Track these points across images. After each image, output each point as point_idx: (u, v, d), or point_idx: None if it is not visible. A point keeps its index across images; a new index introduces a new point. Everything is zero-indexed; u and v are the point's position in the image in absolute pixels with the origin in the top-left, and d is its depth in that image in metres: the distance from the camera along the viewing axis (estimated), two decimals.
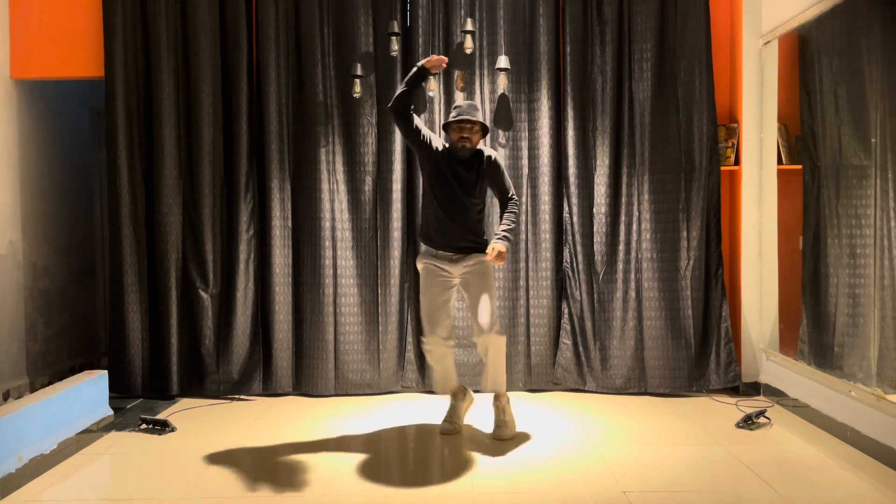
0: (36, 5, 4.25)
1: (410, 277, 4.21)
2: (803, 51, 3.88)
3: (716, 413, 3.79)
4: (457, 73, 4.21)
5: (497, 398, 3.53)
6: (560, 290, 4.25)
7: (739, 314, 4.18)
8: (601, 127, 4.18)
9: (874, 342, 3.29)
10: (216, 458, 3.17)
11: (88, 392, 3.56)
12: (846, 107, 3.54)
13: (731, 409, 3.85)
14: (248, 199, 4.20)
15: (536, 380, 4.23)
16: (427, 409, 3.86)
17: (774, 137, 4.03)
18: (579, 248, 4.20)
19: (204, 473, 3.00)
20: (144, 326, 4.18)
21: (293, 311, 4.22)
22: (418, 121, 3.45)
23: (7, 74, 4.25)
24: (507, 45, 4.18)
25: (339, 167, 4.21)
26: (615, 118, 4.18)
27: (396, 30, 4.11)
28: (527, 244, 4.23)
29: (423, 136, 3.43)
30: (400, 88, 3.41)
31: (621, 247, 4.20)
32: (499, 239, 3.37)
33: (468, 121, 3.38)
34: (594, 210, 4.20)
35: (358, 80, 4.13)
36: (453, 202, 3.41)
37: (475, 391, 3.86)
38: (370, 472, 3.01)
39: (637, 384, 4.16)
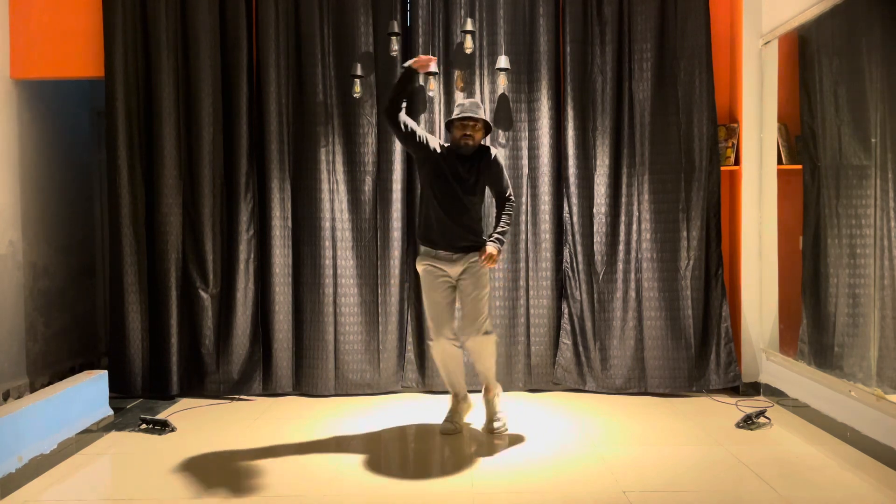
0: (36, 5, 4.25)
1: (410, 277, 4.21)
2: (803, 51, 3.88)
3: (716, 413, 3.79)
4: (457, 73, 4.21)
5: (487, 391, 3.56)
6: (560, 290, 4.25)
7: (739, 314, 4.18)
8: (601, 127, 4.19)
9: (874, 342, 3.29)
10: (216, 458, 3.17)
11: (88, 392, 3.56)
12: (846, 107, 3.54)
13: (731, 409, 3.85)
14: (248, 199, 4.20)
15: (536, 380, 4.23)
16: (427, 409, 3.86)
17: (774, 137, 4.03)
18: (579, 248, 4.20)
19: (204, 473, 3.00)
20: (144, 326, 4.19)
21: (293, 311, 4.22)
22: (412, 122, 3.46)
23: (7, 74, 4.26)
24: (507, 45, 4.18)
25: (339, 167, 4.21)
26: (615, 118, 4.18)
27: (396, 30, 4.11)
28: (527, 244, 4.23)
29: (419, 136, 3.44)
30: (391, 92, 3.41)
31: (621, 247, 4.20)
32: (492, 242, 3.44)
33: (471, 118, 3.38)
34: (594, 210, 4.20)
35: (358, 80, 4.13)
36: (453, 202, 3.41)
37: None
38: (370, 472, 3.01)
39: (637, 384, 4.16)
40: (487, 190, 3.61)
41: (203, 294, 4.18)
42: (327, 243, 4.20)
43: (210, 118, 4.16)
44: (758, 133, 4.13)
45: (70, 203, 4.91)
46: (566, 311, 4.23)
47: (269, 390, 4.21)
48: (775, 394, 3.95)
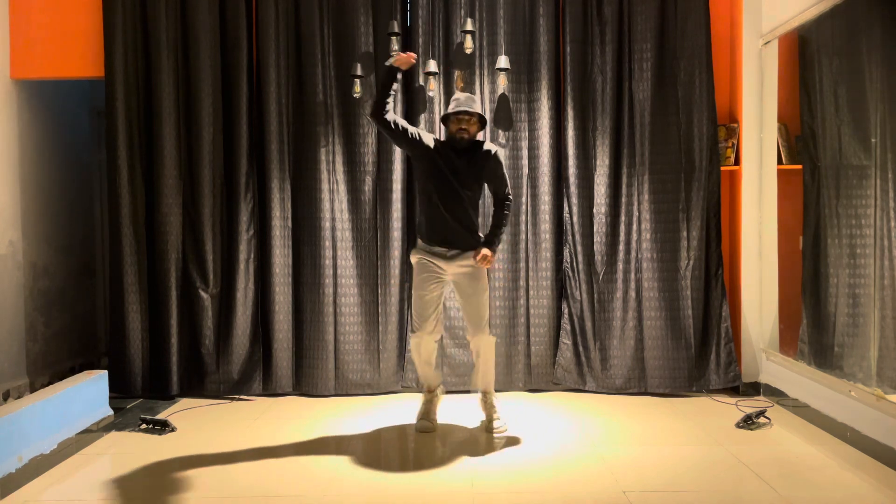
0: (36, 5, 4.25)
1: (410, 277, 4.20)
2: (803, 51, 3.88)
3: (716, 413, 3.79)
4: (457, 73, 4.21)
5: (485, 395, 3.58)
6: (560, 290, 4.25)
7: (739, 314, 4.18)
8: (601, 127, 4.19)
9: (874, 342, 3.29)
10: (216, 458, 3.17)
11: (88, 392, 3.56)
12: (846, 107, 3.54)
13: (731, 409, 3.85)
14: (248, 199, 4.20)
15: (536, 380, 4.23)
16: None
17: (774, 137, 4.03)
18: (579, 248, 4.20)
19: (204, 473, 3.00)
20: (144, 326, 4.19)
21: (293, 311, 4.22)
22: (402, 120, 3.47)
23: (7, 74, 4.26)
24: (507, 45, 4.18)
25: (339, 167, 4.21)
26: (615, 118, 4.18)
27: (396, 30, 4.11)
28: (527, 244, 4.23)
29: (411, 133, 3.44)
30: (375, 93, 3.41)
31: (621, 247, 4.20)
32: (487, 243, 3.46)
33: (466, 112, 3.40)
34: (594, 210, 4.20)
35: (358, 80, 4.13)
36: (450, 195, 3.41)
37: (466, 391, 3.85)
38: (370, 472, 3.01)
39: (637, 384, 4.16)
40: (486, 191, 3.62)
41: (203, 294, 4.18)
42: (327, 243, 4.20)
43: (210, 118, 4.16)
44: (758, 133, 4.13)
45: (70, 203, 4.91)
46: (566, 311, 4.23)
47: (269, 390, 4.21)
48: (775, 394, 3.95)
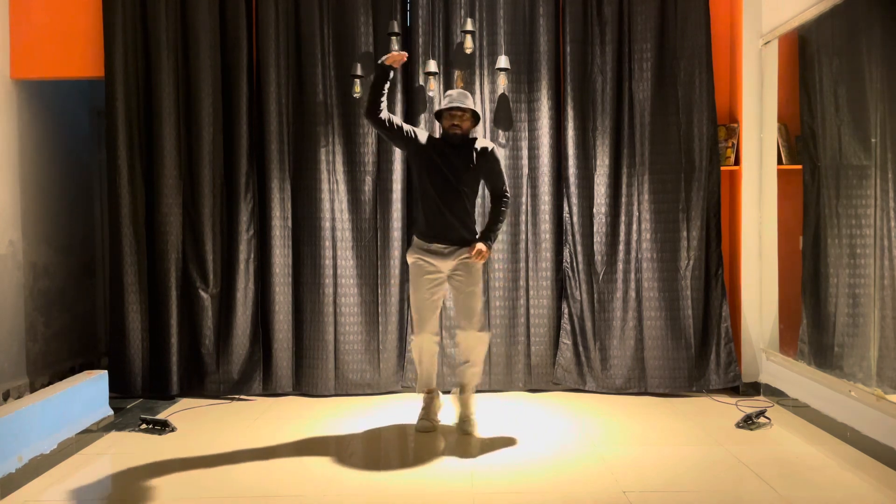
0: (36, 5, 4.25)
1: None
2: (803, 51, 3.88)
3: (716, 413, 3.79)
4: (457, 73, 4.21)
5: (464, 391, 3.56)
6: (560, 290, 4.25)
7: (739, 314, 4.18)
8: (601, 127, 4.19)
9: (874, 342, 3.29)
10: (216, 458, 3.17)
11: (88, 392, 3.56)
12: (846, 107, 3.54)
13: (731, 409, 3.85)
14: (248, 199, 4.20)
15: (536, 380, 4.23)
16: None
17: (774, 137, 4.03)
18: (579, 248, 4.20)
19: (204, 473, 3.00)
20: (144, 326, 4.18)
21: (293, 311, 4.22)
22: (397, 118, 3.48)
23: (7, 74, 4.26)
24: (507, 45, 4.18)
25: (339, 167, 4.21)
26: (615, 118, 4.18)
27: (396, 30, 4.11)
28: (527, 244, 4.23)
29: (406, 131, 3.46)
30: (368, 92, 3.41)
31: (621, 247, 4.20)
32: (482, 238, 3.47)
33: (458, 108, 3.40)
34: (594, 210, 4.20)
35: (358, 80, 4.13)
36: (446, 192, 3.42)
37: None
38: (370, 472, 3.01)
39: (637, 384, 4.16)
40: (485, 191, 3.62)
41: (203, 294, 4.18)
42: (327, 243, 4.20)
43: (210, 118, 4.16)
44: (758, 133, 4.13)
45: (70, 203, 4.91)
46: (566, 311, 4.23)
47: (269, 390, 4.21)
48: (775, 394, 3.95)
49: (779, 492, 2.73)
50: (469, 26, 4.12)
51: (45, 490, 2.84)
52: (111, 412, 3.74)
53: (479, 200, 4.05)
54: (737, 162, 4.19)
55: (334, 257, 4.21)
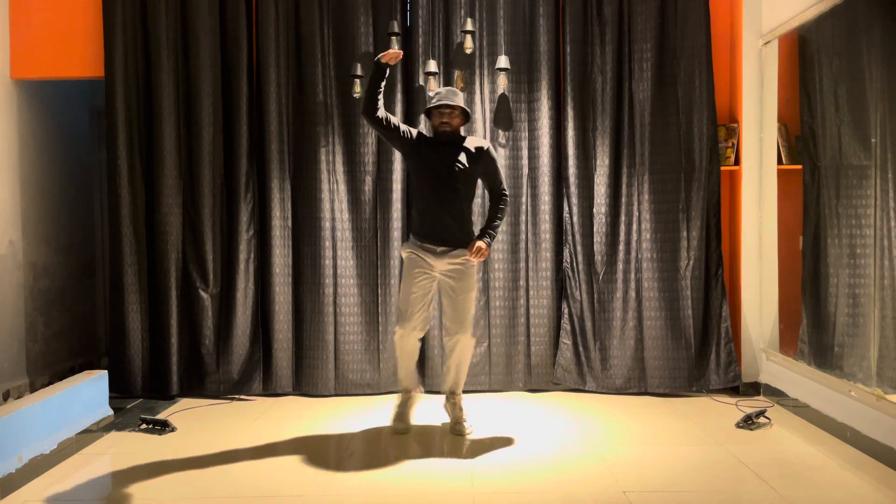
0: (36, 5, 4.25)
1: None
2: (803, 51, 3.88)
3: (716, 413, 3.79)
4: (457, 73, 4.21)
5: (453, 395, 3.55)
6: (560, 290, 4.25)
7: (739, 314, 4.18)
8: (601, 127, 4.19)
9: (874, 342, 3.29)
10: (216, 458, 3.17)
11: (88, 392, 3.56)
12: (846, 107, 3.54)
13: (731, 409, 3.85)
14: (248, 199, 4.20)
15: (536, 380, 4.23)
16: (427, 409, 3.85)
17: (774, 137, 4.03)
18: (579, 248, 4.20)
19: (204, 473, 3.00)
20: (144, 326, 4.18)
21: (293, 311, 4.22)
22: (394, 118, 3.47)
23: (7, 74, 4.26)
24: (507, 45, 4.18)
25: (339, 167, 4.22)
26: (615, 118, 4.18)
27: (396, 30, 4.11)
28: (527, 244, 4.23)
29: (403, 131, 3.46)
30: (365, 90, 3.41)
31: (621, 247, 4.20)
32: (481, 235, 3.43)
33: (447, 105, 3.40)
34: (594, 210, 4.20)
35: (358, 80, 4.13)
36: (442, 191, 3.40)
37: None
38: (370, 472, 3.02)
39: (637, 384, 4.16)
40: (484, 192, 3.61)
41: (203, 294, 4.18)
42: (327, 243, 4.20)
43: (210, 118, 4.16)
44: (758, 133, 4.13)
45: (70, 203, 4.91)
46: (566, 311, 4.23)
47: (269, 390, 4.21)
48: (775, 394, 3.95)
49: (779, 492, 2.73)
50: (469, 26, 4.12)
51: (45, 490, 2.84)
52: (111, 412, 3.74)
53: (478, 200, 4.06)
54: (737, 162, 4.19)
55: (334, 257, 4.21)
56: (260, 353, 4.19)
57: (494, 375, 4.22)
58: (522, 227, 4.22)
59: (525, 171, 4.23)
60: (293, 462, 3.13)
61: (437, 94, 3.49)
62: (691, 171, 4.12)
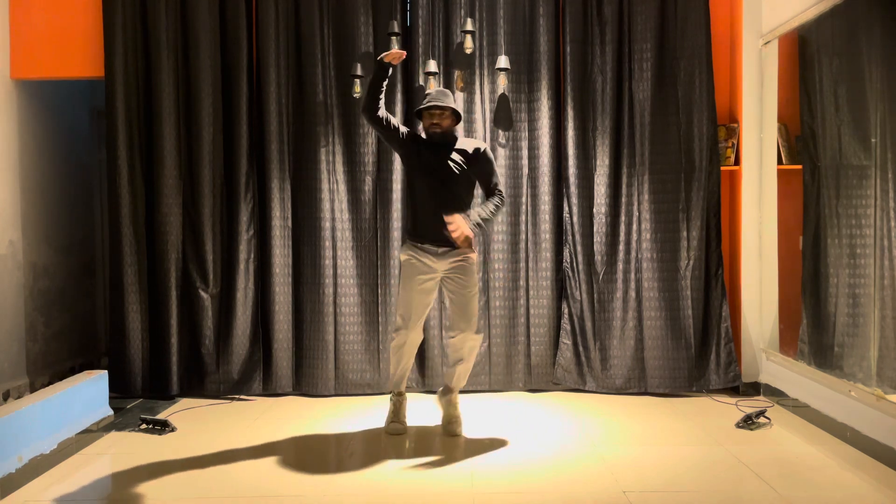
0: (36, 5, 4.25)
1: None
2: (803, 51, 3.88)
3: (716, 413, 3.79)
4: (457, 73, 4.21)
5: (450, 391, 3.52)
6: (560, 290, 4.25)
7: (739, 314, 4.18)
8: (601, 127, 4.19)
9: (874, 342, 3.29)
10: (216, 458, 3.17)
11: (88, 392, 3.56)
12: (846, 107, 3.54)
13: (731, 409, 3.85)
14: (248, 199, 4.20)
15: (536, 380, 4.23)
16: (427, 409, 3.85)
17: (774, 137, 4.03)
18: (579, 248, 4.20)
19: (204, 473, 3.00)
20: (144, 326, 4.19)
21: (293, 311, 4.22)
22: (394, 119, 3.46)
23: (7, 74, 4.26)
24: (507, 45, 4.18)
25: (339, 167, 4.22)
26: (615, 118, 4.18)
27: (396, 30, 4.11)
28: (527, 244, 4.23)
29: (402, 133, 3.45)
30: (367, 89, 3.39)
31: (621, 247, 4.20)
32: (471, 224, 3.29)
33: (437, 107, 3.38)
34: (594, 210, 4.20)
35: (358, 80, 4.13)
36: (435, 190, 3.38)
37: (469, 391, 3.83)
38: (370, 472, 3.02)
39: (637, 384, 4.16)
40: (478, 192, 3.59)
41: (203, 294, 4.18)
42: (327, 243, 4.20)
43: (210, 118, 4.16)
44: (758, 133, 4.13)
45: (70, 203, 4.91)
46: (566, 311, 4.22)
47: (269, 390, 4.21)
48: (775, 394, 3.95)
49: (779, 492, 2.73)
50: (469, 26, 4.12)
51: (45, 490, 2.84)
52: (111, 412, 3.74)
53: (477, 201, 4.05)
54: (737, 162, 4.19)
55: (334, 257, 4.21)
56: (260, 353, 4.19)
57: (494, 375, 4.22)
58: (522, 227, 4.22)
59: (525, 171, 4.23)
60: (293, 462, 3.13)
61: (427, 95, 3.47)
62: (691, 171, 4.12)
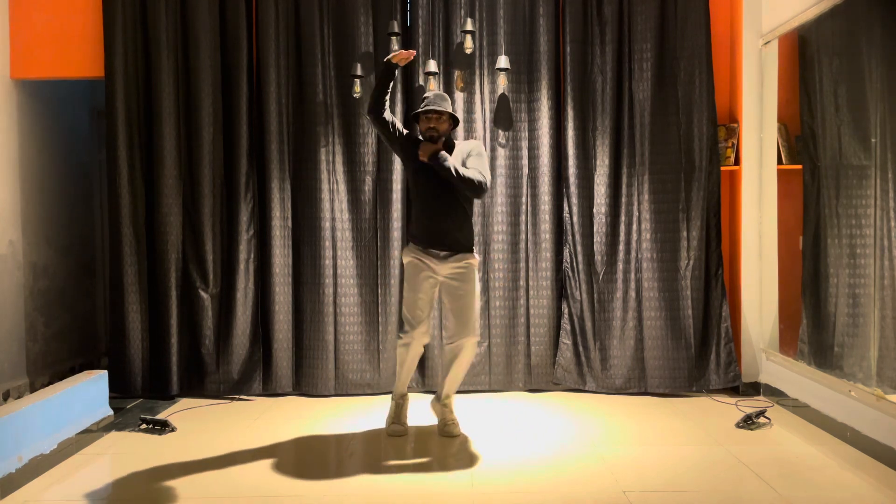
0: (36, 5, 4.25)
1: None
2: (803, 51, 3.88)
3: (716, 413, 3.79)
4: (457, 73, 4.21)
5: (446, 395, 3.51)
6: (560, 290, 4.25)
7: (739, 314, 4.18)
8: (601, 127, 4.19)
9: (874, 342, 3.29)
10: (216, 458, 3.17)
11: (88, 392, 3.56)
12: (846, 107, 3.54)
13: (731, 409, 3.85)
14: (248, 199, 4.20)
15: (536, 380, 4.23)
16: (427, 409, 3.85)
17: (774, 137, 4.03)
18: (579, 248, 4.20)
19: (204, 473, 3.00)
20: (144, 326, 4.18)
21: (293, 311, 4.22)
22: (397, 122, 3.46)
23: (7, 74, 4.26)
24: (507, 45, 4.18)
25: (339, 167, 4.22)
26: (615, 118, 4.18)
27: (396, 30, 4.11)
28: (527, 244, 4.23)
29: (403, 136, 3.45)
30: (373, 90, 3.39)
31: (621, 247, 4.20)
32: (443, 158, 3.26)
33: (434, 111, 3.37)
34: (594, 210, 4.20)
35: (358, 80, 4.13)
36: (440, 194, 3.38)
37: (471, 391, 3.82)
38: (370, 471, 3.02)
39: (637, 384, 4.16)
40: (487, 196, 3.58)
41: (203, 294, 4.18)
42: (327, 243, 4.20)
43: (210, 118, 4.16)
44: (758, 133, 4.13)
45: (70, 203, 4.91)
46: (566, 311, 4.22)
47: (269, 390, 4.21)
48: (775, 394, 3.95)
49: (779, 492, 2.73)
50: (469, 26, 4.12)
51: (45, 490, 2.85)
52: (111, 412, 3.74)
53: (478, 208, 4.05)
54: (737, 162, 4.19)
55: (334, 257, 4.21)
56: (260, 353, 4.19)
57: (494, 375, 4.22)
58: (522, 227, 4.22)
59: (525, 171, 4.23)
60: (293, 462, 3.13)
61: (424, 98, 3.46)
62: (691, 171, 4.12)
